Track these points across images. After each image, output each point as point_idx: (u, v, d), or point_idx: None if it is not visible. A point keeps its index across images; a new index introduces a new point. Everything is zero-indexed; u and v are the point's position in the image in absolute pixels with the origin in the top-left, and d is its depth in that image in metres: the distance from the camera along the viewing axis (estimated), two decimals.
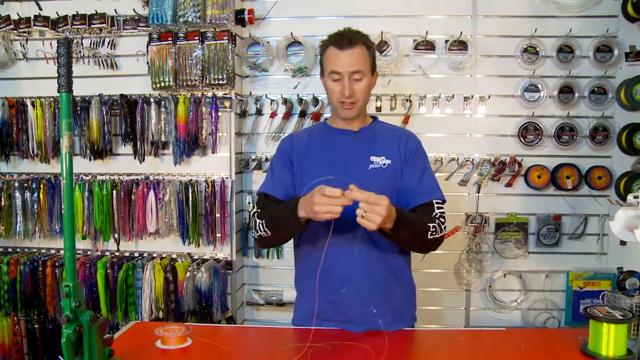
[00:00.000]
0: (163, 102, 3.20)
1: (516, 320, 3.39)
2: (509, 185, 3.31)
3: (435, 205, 1.91)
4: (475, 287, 3.37)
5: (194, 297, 3.14)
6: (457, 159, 3.30)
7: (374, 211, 1.58)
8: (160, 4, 3.08)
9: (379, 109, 3.29)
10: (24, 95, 3.33)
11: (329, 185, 1.64)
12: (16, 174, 3.38)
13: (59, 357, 1.44)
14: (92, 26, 3.26)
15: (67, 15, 3.28)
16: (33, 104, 3.29)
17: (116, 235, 3.28)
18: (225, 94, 3.22)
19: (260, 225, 1.92)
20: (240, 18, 3.19)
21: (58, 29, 3.30)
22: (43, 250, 3.42)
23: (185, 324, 1.92)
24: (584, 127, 3.26)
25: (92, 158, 3.27)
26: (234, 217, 3.24)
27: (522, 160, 3.28)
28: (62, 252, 3.32)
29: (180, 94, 3.19)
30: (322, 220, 1.67)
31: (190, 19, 3.08)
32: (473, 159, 3.30)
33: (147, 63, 3.23)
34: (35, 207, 3.29)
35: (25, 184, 3.30)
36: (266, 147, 3.40)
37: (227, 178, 3.24)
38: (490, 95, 3.28)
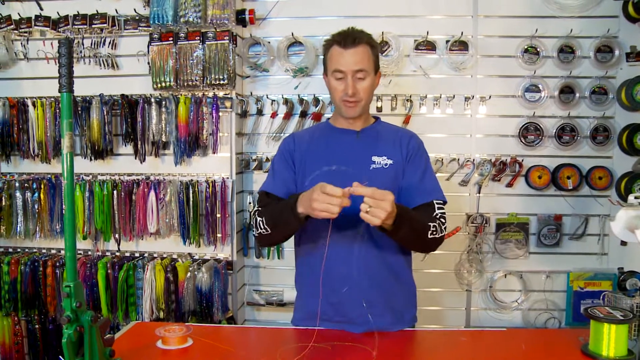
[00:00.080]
0: (164, 102, 3.20)
1: (517, 320, 3.39)
2: (509, 185, 3.31)
3: (436, 206, 1.91)
4: (475, 287, 3.37)
5: (195, 297, 3.14)
6: (458, 159, 3.30)
7: (379, 206, 1.58)
8: (161, 4, 3.09)
9: (379, 109, 3.29)
10: (24, 95, 3.33)
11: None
12: (17, 174, 3.38)
13: (60, 357, 1.44)
14: (93, 26, 3.27)
15: (68, 15, 3.28)
16: (34, 104, 3.29)
17: (117, 236, 3.28)
18: (226, 94, 3.22)
19: (261, 222, 1.93)
20: (241, 18, 3.19)
21: (59, 29, 3.31)
22: (44, 250, 3.42)
23: (186, 324, 1.93)
24: (585, 127, 3.26)
25: (92, 158, 3.27)
26: (234, 217, 3.24)
27: (522, 160, 3.28)
28: (62, 252, 3.33)
29: (181, 94, 3.19)
30: (319, 217, 1.67)
31: (191, 19, 3.08)
32: (474, 159, 3.30)
33: (148, 63, 3.23)
34: (36, 207, 3.30)
35: (26, 184, 3.31)
36: (267, 147, 3.40)
37: (227, 178, 3.24)
38: (491, 96, 3.28)
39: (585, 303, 3.26)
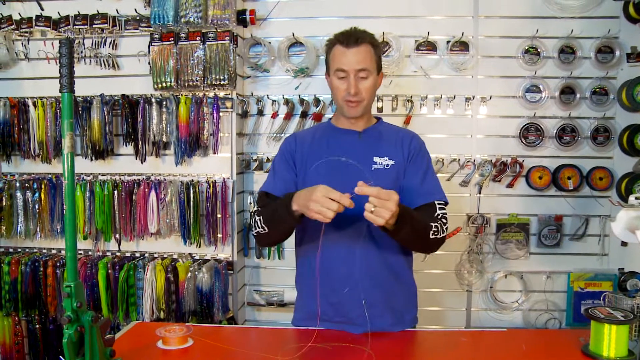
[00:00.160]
0: (164, 103, 3.20)
1: (517, 321, 3.39)
2: (510, 186, 3.31)
3: (437, 206, 1.91)
4: (476, 287, 3.37)
5: (195, 298, 3.14)
6: (459, 160, 3.30)
7: (384, 206, 1.58)
8: (162, 4, 3.09)
9: (380, 110, 3.29)
10: (25, 95, 3.34)
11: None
12: (17, 174, 3.38)
13: (60, 357, 1.44)
14: (94, 26, 3.27)
15: (68, 16, 3.28)
16: (34, 104, 3.29)
17: (117, 236, 3.28)
18: (226, 95, 3.22)
19: (258, 221, 1.93)
20: (241, 18, 3.20)
21: (60, 29, 3.31)
22: (44, 251, 3.42)
23: (187, 324, 1.93)
24: (585, 128, 3.26)
25: (93, 158, 3.27)
26: (235, 217, 3.24)
27: (523, 161, 3.28)
28: (63, 252, 3.33)
29: (181, 94, 3.19)
30: (311, 217, 1.67)
31: (191, 19, 3.08)
32: (474, 160, 3.30)
33: (149, 63, 3.23)
34: (37, 207, 3.30)
35: (26, 184, 3.31)
36: (267, 147, 3.40)
37: (228, 178, 3.24)
38: (492, 96, 3.28)
39: (586, 304, 3.26)
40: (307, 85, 3.36)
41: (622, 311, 1.69)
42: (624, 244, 3.12)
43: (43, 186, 3.30)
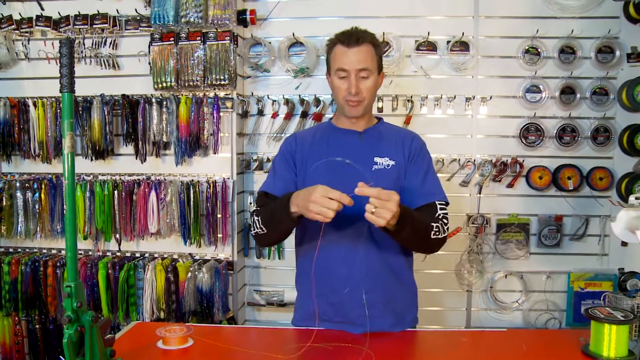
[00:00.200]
0: (165, 103, 3.20)
1: (517, 321, 3.39)
2: (510, 186, 3.31)
3: (438, 206, 1.91)
4: (476, 287, 3.37)
5: (195, 298, 3.14)
6: (459, 160, 3.30)
7: (385, 207, 1.57)
8: (162, 4, 3.09)
9: (380, 110, 3.29)
10: (25, 95, 3.34)
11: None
12: (17, 174, 3.39)
13: (60, 357, 1.44)
14: (94, 26, 3.27)
15: (69, 16, 3.28)
16: (35, 104, 3.30)
17: (117, 236, 3.29)
18: (227, 95, 3.22)
19: (257, 222, 1.93)
20: (242, 18, 3.20)
21: (60, 29, 3.31)
22: (44, 251, 3.43)
23: (187, 324, 1.93)
24: (586, 128, 3.26)
25: (93, 158, 3.27)
26: (235, 217, 3.24)
27: (523, 161, 3.28)
28: (63, 252, 3.34)
29: (182, 94, 3.19)
30: (311, 218, 1.67)
31: (192, 19, 3.08)
32: (474, 160, 3.30)
33: (149, 63, 3.23)
34: (37, 207, 3.30)
35: (26, 184, 3.31)
36: (268, 147, 3.40)
37: (228, 178, 3.24)
38: (492, 96, 3.28)
39: (586, 304, 3.26)
40: (308, 85, 3.36)
41: (622, 311, 1.69)
42: (624, 244, 3.13)
43: (43, 186, 3.30)
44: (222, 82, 3.12)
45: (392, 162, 1.96)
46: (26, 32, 3.35)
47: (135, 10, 3.26)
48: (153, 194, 3.21)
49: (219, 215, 3.21)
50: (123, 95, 3.23)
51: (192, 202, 3.19)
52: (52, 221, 3.32)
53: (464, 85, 3.29)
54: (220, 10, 3.09)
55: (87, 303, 3.14)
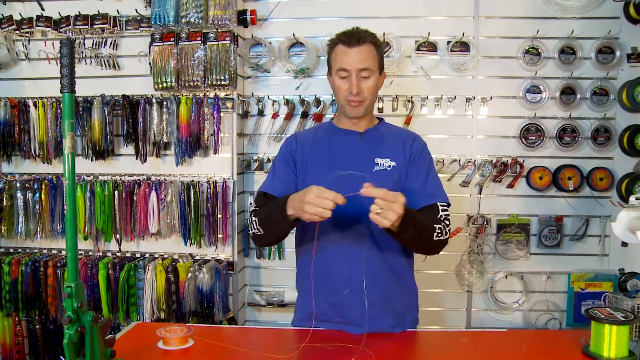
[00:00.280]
0: (165, 103, 3.20)
1: (517, 321, 3.39)
2: (510, 186, 3.31)
3: (440, 208, 1.90)
4: (476, 288, 3.37)
5: (196, 298, 3.14)
6: (459, 160, 3.30)
7: (391, 208, 1.57)
8: (162, 4, 3.09)
9: (380, 110, 3.29)
10: (26, 96, 3.34)
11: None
12: (18, 174, 3.39)
13: (60, 357, 1.44)
14: (95, 26, 3.27)
15: (69, 16, 3.29)
16: (35, 105, 3.30)
17: (118, 236, 3.29)
18: (227, 95, 3.22)
19: (254, 223, 1.94)
20: (242, 19, 3.20)
21: (60, 30, 3.31)
22: (44, 251, 3.43)
23: (187, 324, 1.93)
24: (586, 128, 3.26)
25: (94, 158, 3.27)
26: (235, 217, 3.24)
27: (523, 161, 3.28)
28: (63, 252, 3.34)
29: (182, 95, 3.19)
30: (307, 220, 1.67)
31: (192, 20, 3.08)
32: (475, 160, 3.30)
33: (149, 64, 3.24)
34: (37, 207, 3.30)
35: (27, 184, 3.31)
36: (268, 148, 3.40)
37: (228, 179, 3.24)
38: (492, 97, 3.28)
39: (586, 304, 3.26)
40: (308, 86, 3.36)
41: (622, 312, 1.69)
42: (624, 244, 3.12)
43: (43, 186, 3.30)
44: (223, 83, 3.12)
45: (393, 163, 1.95)
46: (26, 33, 3.35)
47: (136, 10, 3.26)
48: (153, 194, 3.21)
49: (219, 216, 3.21)
50: (123, 95, 3.23)
51: (192, 203, 3.19)
52: (52, 221, 3.32)
53: (464, 86, 3.29)
54: (220, 11, 3.09)
55: (88, 303, 3.14)
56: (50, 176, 3.33)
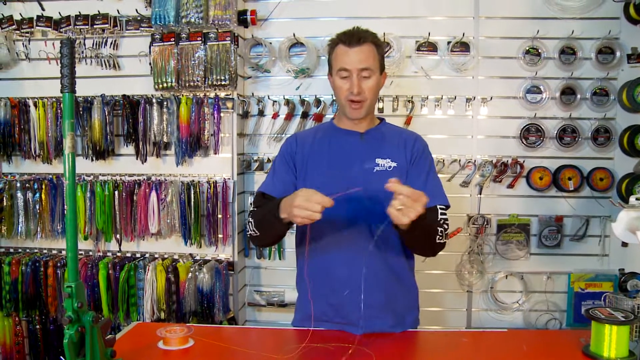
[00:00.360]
0: (165, 103, 3.20)
1: (518, 321, 3.39)
2: (510, 186, 3.31)
3: (439, 210, 1.90)
4: (476, 288, 3.37)
5: (196, 298, 3.14)
6: (459, 161, 3.30)
7: (413, 206, 1.55)
8: (162, 4, 3.09)
9: (381, 110, 3.29)
10: (26, 96, 3.34)
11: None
12: (18, 174, 3.39)
13: (61, 357, 1.44)
14: (95, 26, 3.27)
15: (69, 16, 3.29)
16: (35, 105, 3.30)
17: (118, 236, 3.29)
18: (227, 95, 3.22)
19: (250, 224, 1.94)
20: (242, 19, 3.20)
21: (60, 30, 3.31)
22: (45, 251, 3.43)
23: (187, 324, 1.93)
24: (586, 128, 3.26)
25: (94, 158, 3.27)
26: (235, 217, 3.24)
27: (524, 161, 3.28)
28: (63, 252, 3.34)
29: (182, 95, 3.19)
30: (299, 224, 1.68)
31: (192, 20, 3.08)
32: (475, 161, 3.30)
33: (150, 64, 3.24)
34: (37, 207, 3.30)
35: (27, 184, 3.31)
36: (268, 148, 3.40)
37: (229, 179, 3.24)
38: (492, 97, 3.28)
39: (586, 304, 3.26)
40: (308, 86, 3.36)
41: (622, 312, 1.69)
42: (624, 244, 3.12)
43: (44, 186, 3.30)
44: (223, 83, 3.12)
45: (394, 164, 1.95)
46: (27, 33, 3.35)
47: (136, 10, 3.26)
48: (153, 194, 3.21)
49: (219, 216, 3.21)
50: (124, 95, 3.23)
51: (192, 203, 3.19)
52: (52, 221, 3.32)
53: (465, 86, 3.29)
54: (220, 11, 3.09)
55: (88, 303, 3.14)
56: (50, 176, 3.33)
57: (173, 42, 3.15)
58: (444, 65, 3.29)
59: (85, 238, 3.30)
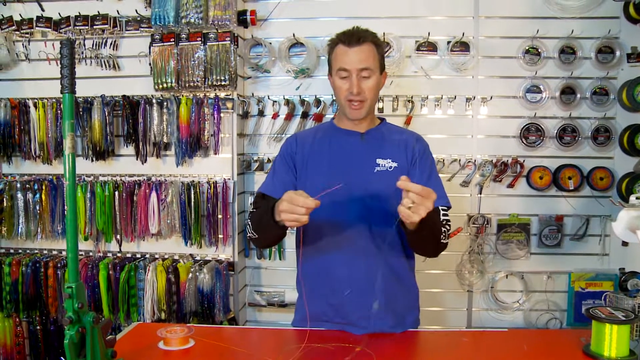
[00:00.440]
0: (165, 103, 3.20)
1: (518, 321, 3.39)
2: (510, 186, 3.31)
3: (441, 212, 1.90)
4: (477, 288, 3.37)
5: (196, 298, 3.14)
6: (459, 160, 3.30)
7: (423, 204, 1.54)
8: (162, 5, 3.09)
9: (381, 110, 3.29)
10: (26, 96, 3.34)
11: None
12: (18, 175, 3.39)
13: (61, 358, 1.44)
14: (95, 27, 3.27)
15: (69, 16, 3.29)
16: (35, 105, 3.30)
17: (118, 236, 3.29)
18: (227, 95, 3.22)
19: (249, 226, 1.93)
20: (242, 19, 3.20)
21: (60, 30, 3.31)
22: (45, 251, 3.43)
23: (188, 325, 1.93)
24: (586, 128, 3.26)
25: (94, 159, 3.27)
26: (236, 218, 3.24)
27: (524, 161, 3.28)
28: (63, 253, 3.35)
29: (182, 95, 3.19)
30: (291, 227, 1.68)
31: (192, 20, 3.08)
32: (475, 160, 3.30)
33: (150, 64, 3.24)
34: (37, 208, 3.30)
35: (27, 185, 3.31)
36: (268, 148, 3.40)
37: (229, 179, 3.24)
38: (492, 96, 3.28)
39: (587, 304, 3.26)
40: (308, 86, 3.36)
41: (623, 311, 1.69)
42: (624, 243, 3.13)
43: (44, 187, 3.30)
44: (223, 83, 3.12)
45: (394, 164, 1.94)
46: (27, 33, 3.35)
47: (136, 11, 3.26)
48: (154, 194, 3.21)
49: (219, 216, 3.21)
50: (124, 96, 3.23)
51: (192, 203, 3.19)
52: (52, 222, 3.32)
53: (465, 86, 3.29)
54: (220, 11, 3.09)
55: (88, 304, 3.14)
56: (50, 177, 3.33)
57: (173, 43, 3.15)
58: (444, 65, 3.29)
59: (86, 239, 3.30)
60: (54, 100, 3.30)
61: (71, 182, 1.43)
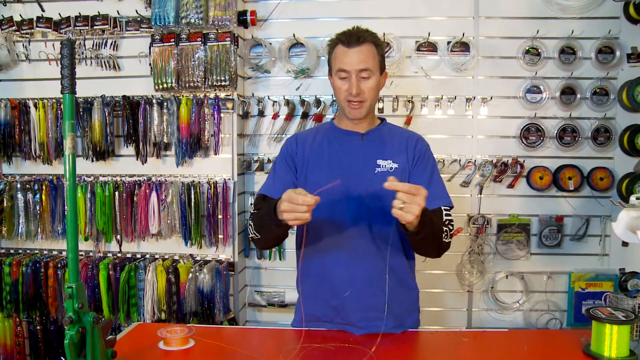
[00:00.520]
0: (165, 104, 3.20)
1: (518, 321, 3.39)
2: (511, 186, 3.31)
3: (444, 212, 1.89)
4: (477, 288, 3.37)
5: (196, 299, 3.14)
6: (459, 161, 3.30)
7: (414, 201, 1.54)
8: (162, 5, 3.09)
9: (381, 110, 3.29)
10: (26, 97, 3.34)
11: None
12: (18, 175, 3.39)
13: (61, 358, 1.44)
14: (95, 27, 3.27)
15: (69, 17, 3.29)
16: (35, 105, 3.30)
17: (118, 237, 3.29)
18: (227, 96, 3.22)
19: (251, 227, 1.93)
20: (242, 19, 3.20)
21: (60, 31, 3.31)
22: (45, 252, 3.43)
23: (188, 325, 1.93)
24: (586, 128, 3.26)
25: (94, 159, 3.27)
26: (236, 218, 3.24)
27: (524, 161, 3.28)
28: (64, 253, 3.35)
29: (182, 96, 3.20)
30: (293, 225, 1.67)
31: (192, 20, 3.08)
32: (475, 160, 3.30)
33: (150, 64, 3.24)
34: (38, 208, 3.30)
35: (27, 185, 3.31)
36: (268, 148, 3.41)
37: (229, 179, 3.24)
38: (492, 97, 3.28)
39: (587, 304, 3.26)
40: (308, 86, 3.36)
41: (623, 311, 1.69)
42: (624, 244, 3.12)
43: (44, 187, 3.30)
44: (223, 83, 3.13)
45: (395, 165, 1.93)
46: (27, 34, 3.35)
47: (136, 11, 3.26)
48: (154, 194, 3.21)
49: (219, 216, 3.21)
50: (124, 96, 3.23)
51: (192, 203, 3.19)
52: (53, 222, 3.32)
53: (465, 86, 3.29)
54: (220, 11, 3.09)
55: (88, 304, 3.13)
56: (50, 177, 3.33)
57: (173, 43, 3.15)
58: (444, 65, 3.29)
59: (86, 239, 3.31)
60: (54, 100, 3.30)
61: (71, 182, 1.43)
